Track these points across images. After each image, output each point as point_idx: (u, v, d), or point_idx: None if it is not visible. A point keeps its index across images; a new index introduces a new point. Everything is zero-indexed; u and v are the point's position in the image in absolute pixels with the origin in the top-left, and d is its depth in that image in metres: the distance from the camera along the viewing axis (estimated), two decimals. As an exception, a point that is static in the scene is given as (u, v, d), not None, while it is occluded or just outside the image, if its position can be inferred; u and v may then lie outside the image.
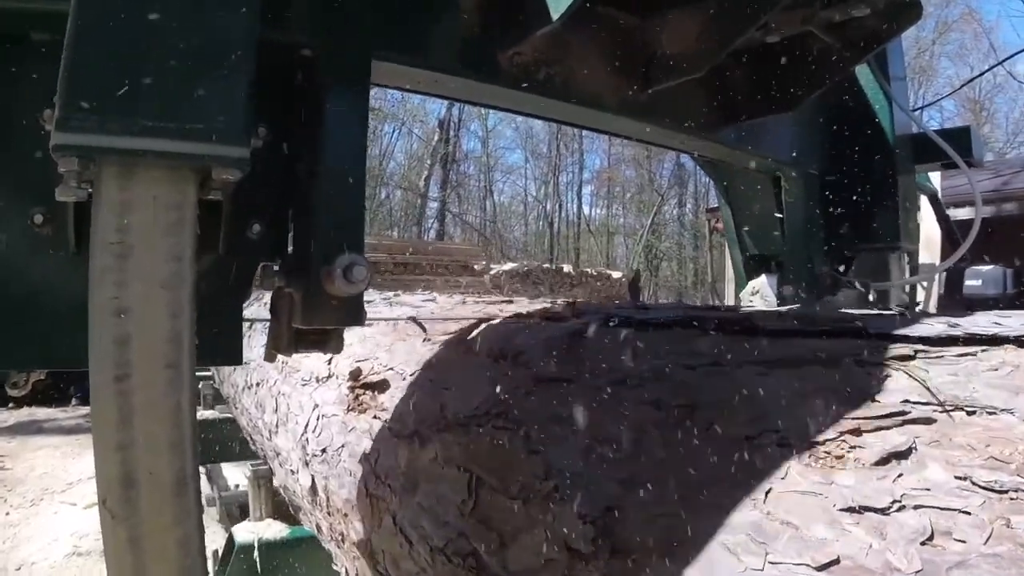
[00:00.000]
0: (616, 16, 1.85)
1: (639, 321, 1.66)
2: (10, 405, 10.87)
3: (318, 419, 2.39)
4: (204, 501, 5.41)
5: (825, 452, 1.01)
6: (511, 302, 2.61)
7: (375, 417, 2.01)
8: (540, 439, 1.35)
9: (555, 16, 1.39)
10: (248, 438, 4.26)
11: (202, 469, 5.84)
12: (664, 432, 1.19)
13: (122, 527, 1.07)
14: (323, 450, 2.25)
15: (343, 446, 2.11)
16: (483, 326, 2.05)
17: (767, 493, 0.98)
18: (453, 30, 1.66)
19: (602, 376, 1.42)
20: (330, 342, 1.44)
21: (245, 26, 1.09)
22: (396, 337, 2.45)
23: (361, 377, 2.28)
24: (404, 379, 2.05)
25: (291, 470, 2.66)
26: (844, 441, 1.02)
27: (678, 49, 1.83)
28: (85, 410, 10.29)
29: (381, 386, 2.14)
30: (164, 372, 1.05)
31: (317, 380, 2.62)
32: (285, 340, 1.42)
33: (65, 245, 1.25)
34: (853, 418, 1.06)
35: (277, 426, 2.95)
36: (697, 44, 1.77)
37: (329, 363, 2.61)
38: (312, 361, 2.74)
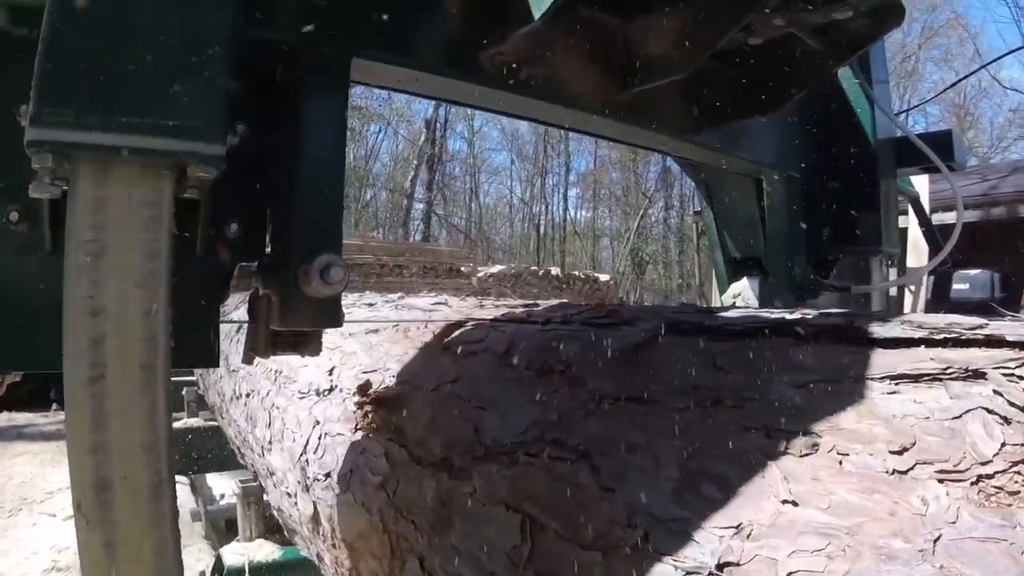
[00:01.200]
0: (598, 16, 1.84)
1: (710, 327, 1.42)
2: None
3: (320, 438, 2.14)
4: (189, 516, 5.29)
5: (995, 487, 0.85)
6: (536, 305, 2.28)
7: (391, 439, 1.79)
8: (614, 474, 1.16)
9: (537, 15, 1.39)
10: (236, 451, 3.96)
11: (186, 480, 5.70)
12: (782, 466, 1.00)
13: (97, 531, 1.05)
14: (327, 474, 2.01)
15: (351, 471, 1.87)
16: (506, 331, 1.82)
17: (935, 541, 0.80)
18: (434, 28, 1.66)
19: (683, 394, 1.23)
20: (308, 344, 1.43)
21: (222, 22, 1.08)
22: (409, 345, 2.20)
23: (371, 391, 2.03)
24: (423, 395, 1.81)
25: (287, 492, 2.44)
26: (1018, 473, 0.86)
27: (660, 50, 1.83)
28: None
29: (396, 402, 1.89)
30: (139, 373, 1.04)
31: (318, 393, 2.38)
32: (262, 342, 1.41)
33: (40, 244, 1.23)
34: (1021, 444, 0.89)
35: (271, 443, 2.71)
36: (679, 46, 1.76)
37: (331, 374, 2.39)
38: (311, 371, 2.54)
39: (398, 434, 1.77)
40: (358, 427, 1.96)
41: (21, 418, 10.53)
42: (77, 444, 1.04)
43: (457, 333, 2.02)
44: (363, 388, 2.06)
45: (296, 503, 2.30)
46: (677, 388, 1.26)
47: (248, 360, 1.48)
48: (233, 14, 1.09)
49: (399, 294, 3.59)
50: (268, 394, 2.88)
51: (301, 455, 2.24)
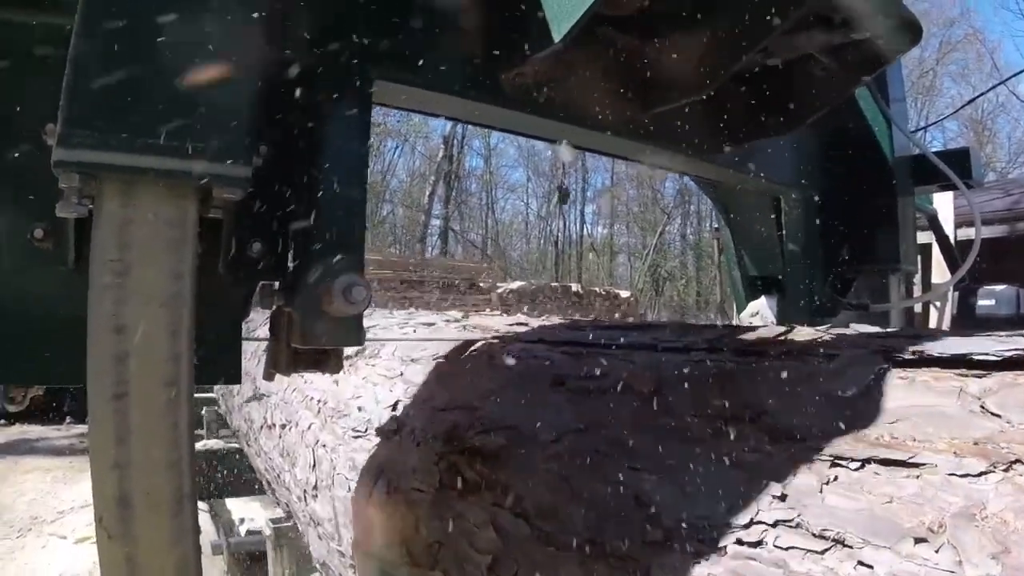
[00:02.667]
0: (617, 38, 1.85)
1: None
2: (0, 422, 10.33)
3: (388, 492, 1.74)
4: (209, 548, 4.66)
5: None
6: (647, 326, 1.92)
7: (495, 504, 1.41)
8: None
9: (557, 38, 1.39)
10: (265, 484, 3.60)
11: (204, 506, 5.18)
12: None
13: (118, 546, 1.06)
14: (402, 542, 1.65)
15: (440, 544, 1.53)
16: (635, 361, 1.49)
17: None
18: (455, 50, 1.67)
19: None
20: (329, 362, 1.44)
21: (248, 45, 1.09)
22: (498, 377, 1.77)
23: (462, 438, 1.62)
24: (541, 446, 1.43)
25: (340, 551, 2.07)
26: None
27: (679, 71, 1.83)
28: (79, 429, 9.91)
29: (502, 456, 1.49)
30: (163, 391, 1.05)
31: (380, 433, 1.97)
32: (284, 359, 1.42)
33: (64, 260, 1.25)
34: None
35: (316, 488, 2.31)
36: (698, 67, 1.77)
37: (395, 409, 2.01)
38: (367, 404, 2.17)
39: (506, 497, 1.41)
40: (444, 484, 1.59)
41: (34, 431, 10.31)
42: (100, 459, 1.05)
43: (567, 365, 1.66)
44: (450, 434, 1.67)
45: (356, 569, 1.94)
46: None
47: (269, 377, 1.49)
48: (258, 37, 1.10)
49: (460, 312, 3.27)
50: (310, 428, 2.53)
51: (362, 512, 1.86)
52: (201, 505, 4.90)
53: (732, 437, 1.14)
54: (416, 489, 1.65)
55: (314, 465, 2.36)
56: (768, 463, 1.06)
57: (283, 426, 2.91)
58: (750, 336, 1.47)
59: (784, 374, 1.21)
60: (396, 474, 1.76)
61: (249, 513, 4.81)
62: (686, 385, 1.31)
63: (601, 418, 1.39)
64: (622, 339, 1.67)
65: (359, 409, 2.21)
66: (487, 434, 1.57)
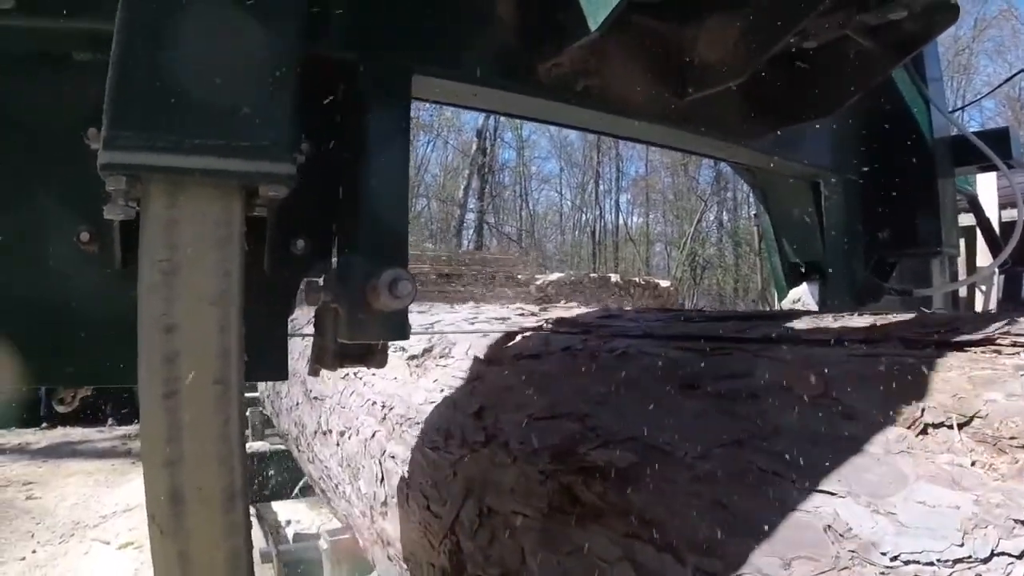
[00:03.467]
0: (653, 25, 1.84)
1: None
2: (43, 425, 10.18)
3: (481, 515, 1.53)
4: (258, 555, 4.12)
5: None
6: (761, 315, 1.73)
7: (631, 535, 1.17)
8: None
9: (593, 27, 1.39)
10: (319, 492, 3.40)
11: (251, 510, 4.68)
12: None
13: (171, 542, 1.08)
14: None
15: None
16: (785, 358, 1.24)
17: None
18: (492, 42, 1.67)
19: None
20: (374, 356, 1.44)
21: (289, 43, 1.09)
22: (608, 378, 1.50)
23: (575, 453, 1.36)
24: (686, 463, 1.17)
25: None
26: None
27: (716, 57, 1.82)
28: (122, 431, 9.87)
29: (627, 477, 1.24)
30: (213, 388, 1.06)
31: (463, 445, 1.71)
32: (330, 354, 1.43)
33: (111, 262, 1.26)
34: None
35: (386, 505, 2.09)
36: (735, 51, 1.76)
37: (479, 417, 1.73)
38: (444, 411, 1.92)
39: (651, 529, 1.15)
40: (554, 506, 1.34)
41: (76, 433, 10.08)
42: (152, 457, 1.06)
43: (692, 363, 1.41)
44: (560, 449, 1.41)
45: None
46: None
47: (314, 372, 1.50)
48: (299, 34, 1.11)
49: (535, 306, 2.92)
50: (375, 436, 2.30)
51: (447, 535, 1.63)
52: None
53: (935, 447, 0.92)
54: (518, 513, 1.41)
55: (382, 479, 2.16)
56: (1001, 484, 0.83)
57: (341, 433, 2.69)
58: (910, 324, 1.23)
59: (987, 369, 0.99)
60: (489, 494, 1.53)
61: (296, 515, 4.68)
62: (860, 384, 1.08)
63: (759, 428, 1.13)
64: (748, 331, 1.46)
65: (434, 417, 1.96)
66: (607, 448, 1.31)
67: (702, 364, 1.38)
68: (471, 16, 1.62)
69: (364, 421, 2.44)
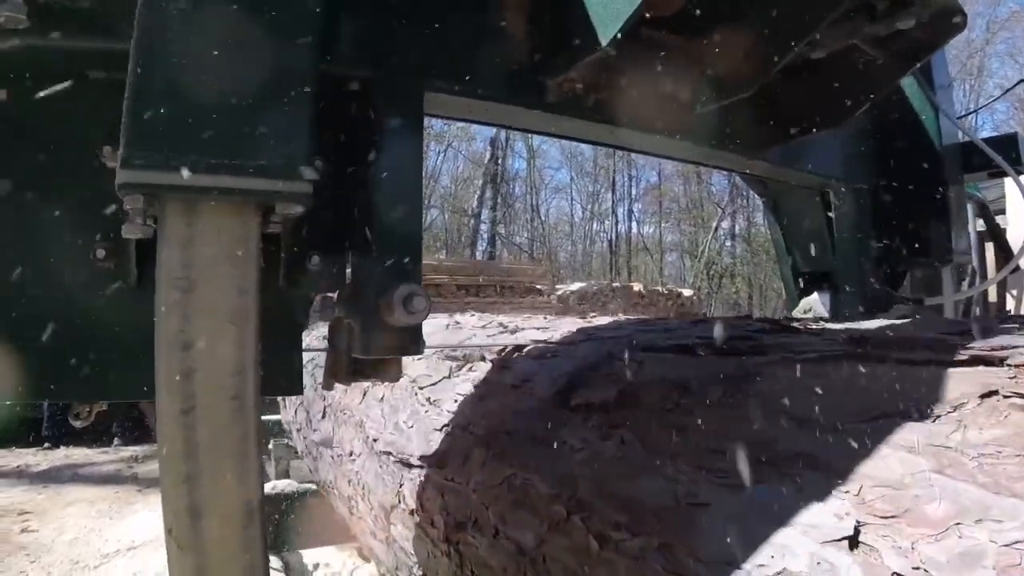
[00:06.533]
0: (663, 38, 1.84)
1: None
2: (45, 445, 9.55)
3: None
4: None
5: None
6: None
7: None
8: None
9: (604, 41, 1.40)
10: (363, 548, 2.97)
11: (276, 561, 4.14)
12: None
13: (189, 557, 1.09)
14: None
15: None
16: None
17: None
18: (503, 60, 1.67)
19: None
20: (389, 371, 1.45)
21: (304, 62, 1.10)
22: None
23: None
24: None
25: None
26: None
27: (725, 69, 1.83)
28: (127, 452, 9.33)
29: None
30: (230, 404, 1.07)
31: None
32: (344, 369, 1.44)
33: (127, 279, 1.27)
34: None
35: None
36: (745, 63, 1.76)
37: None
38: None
39: None
40: None
41: (79, 455, 9.37)
42: (170, 472, 1.07)
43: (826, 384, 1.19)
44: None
45: None
46: None
47: (328, 386, 1.51)
48: (315, 53, 1.12)
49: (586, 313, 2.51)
50: None
51: None
52: (272, 559, 3.99)
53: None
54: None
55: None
56: None
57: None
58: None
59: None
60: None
61: (324, 558, 4.15)
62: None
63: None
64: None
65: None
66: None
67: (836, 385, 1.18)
68: (482, 34, 1.63)
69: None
